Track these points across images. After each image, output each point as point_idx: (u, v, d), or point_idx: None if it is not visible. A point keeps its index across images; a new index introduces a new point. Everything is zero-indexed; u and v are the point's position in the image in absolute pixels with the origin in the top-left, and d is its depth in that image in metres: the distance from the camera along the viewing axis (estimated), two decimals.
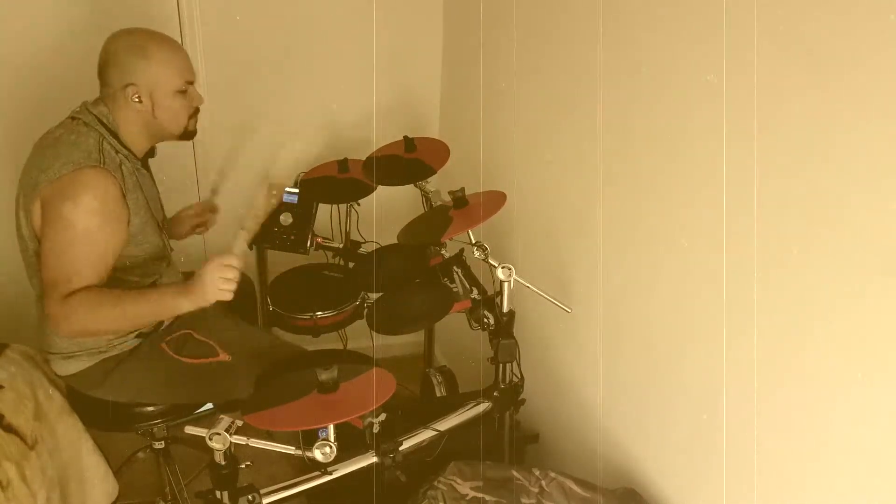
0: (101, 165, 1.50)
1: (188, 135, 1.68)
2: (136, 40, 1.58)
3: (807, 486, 1.04)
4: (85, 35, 2.06)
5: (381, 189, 2.01)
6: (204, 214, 1.98)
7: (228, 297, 1.49)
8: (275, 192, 2.00)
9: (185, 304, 1.51)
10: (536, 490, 1.37)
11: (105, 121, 1.58)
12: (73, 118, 1.59)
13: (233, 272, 1.49)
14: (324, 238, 2.20)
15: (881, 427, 0.90)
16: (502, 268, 1.49)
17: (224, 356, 1.67)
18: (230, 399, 1.71)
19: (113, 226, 1.53)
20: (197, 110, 1.68)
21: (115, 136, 1.58)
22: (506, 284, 1.51)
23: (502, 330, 1.55)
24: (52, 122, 1.62)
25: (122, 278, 1.61)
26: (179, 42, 1.65)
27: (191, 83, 1.64)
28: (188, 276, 1.87)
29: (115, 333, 1.64)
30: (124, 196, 1.54)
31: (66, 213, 1.47)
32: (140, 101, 1.57)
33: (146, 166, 1.70)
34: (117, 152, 1.57)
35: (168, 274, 1.75)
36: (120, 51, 1.57)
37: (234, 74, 2.30)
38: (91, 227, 1.48)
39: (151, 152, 1.73)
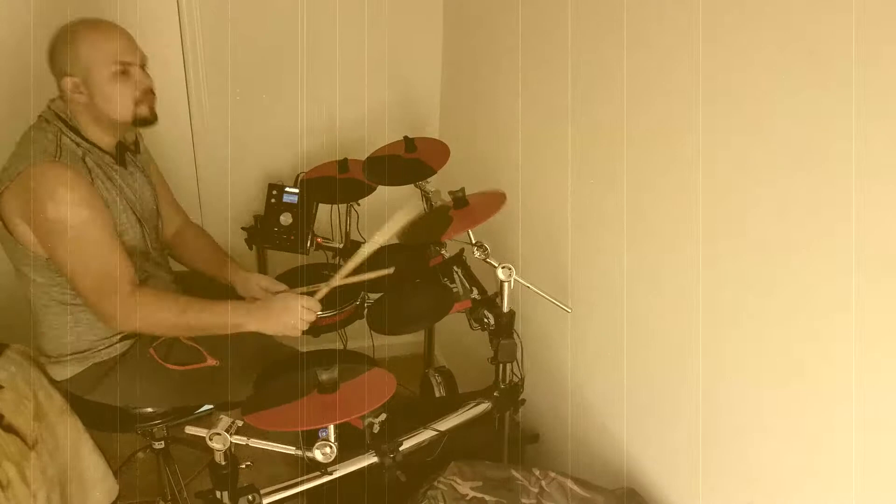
0: (57, 158, 1.47)
1: (142, 121, 1.59)
2: (67, 29, 1.53)
3: (807, 486, 1.04)
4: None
5: (381, 189, 2.01)
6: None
7: (297, 334, 1.54)
8: (275, 193, 1.99)
9: (251, 326, 1.54)
10: (536, 490, 1.37)
11: (63, 115, 1.55)
12: (38, 117, 1.57)
13: (312, 317, 1.55)
14: (324, 238, 2.20)
15: (882, 427, 0.90)
16: (502, 268, 1.49)
17: (212, 361, 1.66)
18: (224, 401, 1.70)
19: (99, 207, 1.51)
20: (148, 94, 1.58)
21: (76, 130, 1.55)
22: (506, 284, 1.51)
23: (502, 330, 1.55)
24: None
25: None
26: (116, 24, 1.56)
27: (131, 64, 1.55)
28: (182, 275, 1.88)
29: (173, 335, 1.65)
30: (92, 184, 1.52)
31: (54, 215, 1.45)
32: (80, 92, 1.52)
33: (122, 162, 1.65)
34: (78, 145, 1.54)
35: (157, 273, 1.73)
36: (56, 42, 1.53)
37: (233, 74, 2.30)
38: (84, 216, 1.47)
39: (136, 147, 1.71)
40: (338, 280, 1.59)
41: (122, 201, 1.60)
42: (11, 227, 1.50)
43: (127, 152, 1.69)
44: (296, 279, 2.15)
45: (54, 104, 1.57)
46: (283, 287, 1.80)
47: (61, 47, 1.52)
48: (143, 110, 1.58)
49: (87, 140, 1.56)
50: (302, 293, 1.63)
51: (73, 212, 1.46)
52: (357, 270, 1.61)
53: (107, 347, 1.65)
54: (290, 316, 1.53)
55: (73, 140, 1.54)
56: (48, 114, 1.56)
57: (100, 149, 1.59)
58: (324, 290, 1.59)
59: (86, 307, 1.54)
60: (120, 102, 1.54)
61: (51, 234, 1.47)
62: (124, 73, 1.54)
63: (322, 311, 1.63)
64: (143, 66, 1.59)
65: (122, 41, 1.55)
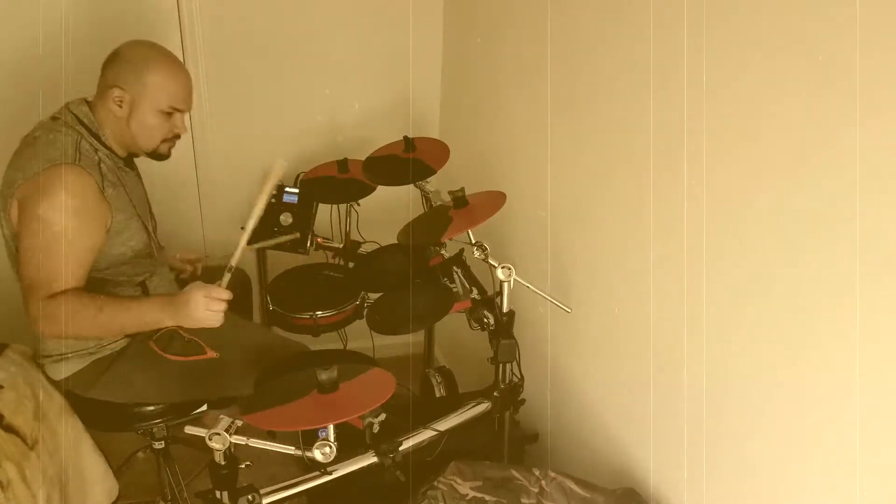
0: (77, 163, 1.50)
1: (157, 156, 1.67)
2: (144, 52, 1.60)
3: (806, 486, 1.04)
4: (78, 35, 2.08)
5: (381, 189, 2.01)
6: (187, 264, 1.96)
7: (216, 324, 1.49)
8: (275, 192, 2.00)
9: (168, 321, 1.51)
10: (536, 490, 1.37)
11: (85, 120, 1.58)
12: (53, 118, 1.59)
13: (220, 305, 1.48)
14: (324, 238, 2.20)
15: (882, 427, 0.90)
16: (502, 268, 1.49)
17: (211, 353, 1.67)
18: (225, 395, 1.71)
19: (91, 224, 1.52)
20: (176, 137, 1.67)
21: (96, 136, 1.59)
22: (506, 284, 1.51)
23: (502, 330, 1.55)
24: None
25: (110, 278, 1.61)
26: (185, 68, 1.65)
27: (179, 111, 1.63)
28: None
29: (95, 339, 1.64)
30: (102, 193, 1.54)
31: (43, 213, 1.46)
32: (120, 106, 1.58)
33: (130, 165, 1.70)
34: (96, 151, 1.57)
35: (159, 272, 1.75)
36: (126, 53, 1.59)
37: (233, 74, 2.30)
38: (68, 226, 1.48)
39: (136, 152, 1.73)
40: (235, 260, 1.53)
41: (131, 207, 1.62)
42: (15, 221, 1.52)
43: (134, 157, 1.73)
44: (296, 278, 2.16)
45: (77, 108, 1.59)
46: (195, 256, 1.92)
47: (126, 61, 1.57)
48: (164, 148, 1.67)
49: (104, 145, 1.60)
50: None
51: (62, 217, 1.47)
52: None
53: (109, 344, 1.65)
54: (196, 308, 1.47)
55: (91, 145, 1.56)
56: (68, 117, 1.57)
57: (115, 153, 1.63)
58: (227, 275, 1.54)
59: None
60: (151, 136, 1.62)
61: (27, 228, 1.48)
62: (169, 114, 1.61)
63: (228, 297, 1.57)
64: (185, 113, 1.65)
65: (184, 89, 1.63)
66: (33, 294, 1.47)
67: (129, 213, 1.61)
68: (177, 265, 1.93)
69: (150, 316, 1.52)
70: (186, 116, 1.67)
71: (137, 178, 1.74)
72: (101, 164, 1.56)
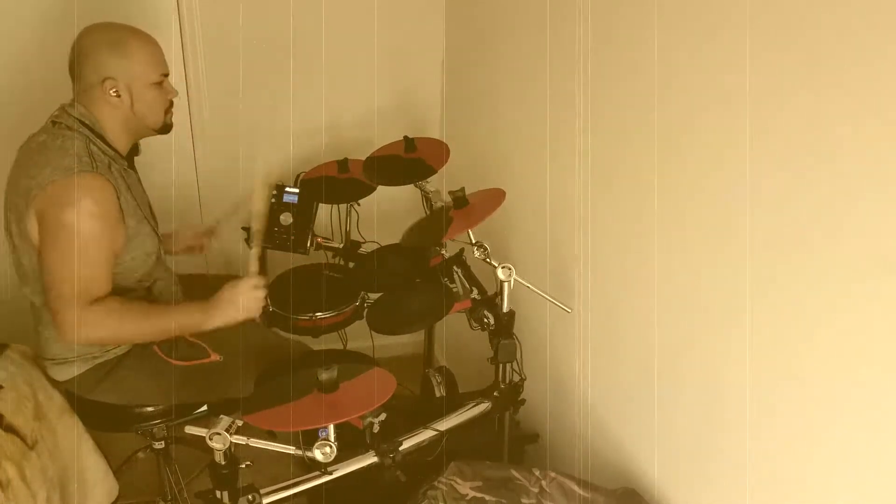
0: (95, 170, 1.49)
1: (166, 128, 1.67)
2: (112, 34, 1.56)
3: (807, 486, 1.04)
4: (74, 35, 2.07)
5: (381, 189, 2.01)
6: (200, 238, 1.99)
7: (258, 314, 1.61)
8: (275, 192, 2.01)
9: (210, 323, 1.58)
10: (536, 490, 1.37)
11: (87, 122, 1.55)
12: (54, 122, 1.56)
13: (259, 292, 1.61)
14: (324, 238, 2.20)
15: (882, 427, 0.90)
16: (502, 268, 1.49)
17: (215, 357, 1.67)
18: (227, 398, 1.71)
19: (115, 229, 1.53)
20: (171, 103, 1.66)
21: (101, 137, 1.56)
22: (506, 284, 1.51)
23: (502, 330, 1.55)
24: (38, 124, 1.60)
25: (122, 283, 1.61)
26: (152, 36, 1.63)
27: (166, 76, 1.63)
28: (184, 278, 1.89)
29: (131, 343, 1.65)
30: (119, 199, 1.53)
31: (69, 221, 1.46)
32: (118, 96, 1.55)
33: (132, 166, 1.69)
34: (104, 154, 1.55)
35: (163, 277, 1.74)
36: (95, 45, 1.54)
37: (233, 74, 2.30)
38: (96, 232, 1.48)
39: (136, 150, 1.72)
40: (256, 247, 1.66)
41: (139, 211, 1.62)
42: (33, 235, 1.51)
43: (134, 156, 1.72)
44: (296, 278, 2.16)
45: (75, 110, 1.56)
46: (204, 228, 1.99)
47: (102, 51, 1.54)
48: (169, 118, 1.67)
49: (111, 147, 1.58)
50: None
51: (86, 224, 1.47)
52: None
53: (113, 348, 1.65)
54: (242, 300, 1.59)
55: (100, 148, 1.55)
56: (70, 120, 1.54)
57: (119, 154, 1.61)
58: (254, 261, 1.64)
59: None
60: (157, 111, 1.62)
61: (52, 237, 1.47)
62: (160, 83, 1.61)
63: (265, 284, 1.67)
64: (169, 74, 1.66)
65: (161, 52, 1.63)
66: (69, 303, 1.47)
67: (138, 217, 1.61)
68: (190, 241, 1.96)
69: (194, 319, 1.58)
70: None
71: (138, 180, 1.73)
72: (112, 168, 1.55)
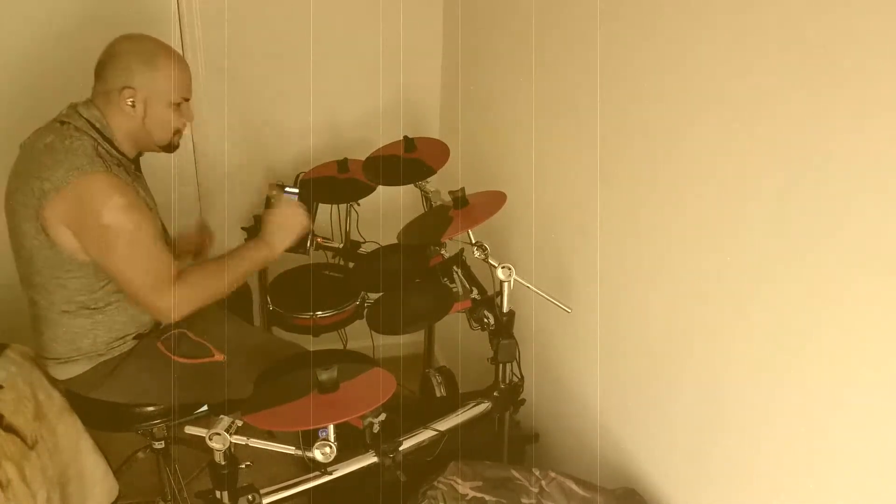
0: (108, 170, 1.50)
1: (170, 148, 1.69)
2: (145, 46, 1.59)
3: (807, 486, 1.04)
4: (78, 34, 2.08)
5: (381, 189, 2.01)
6: (199, 240, 1.98)
7: (307, 229, 1.76)
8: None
9: (279, 246, 1.70)
10: (536, 490, 1.37)
11: (98, 125, 1.56)
12: (62, 122, 1.55)
13: (297, 206, 1.75)
14: (324, 238, 2.20)
15: (883, 427, 0.90)
16: (502, 268, 1.49)
17: (219, 356, 1.68)
18: (228, 398, 1.71)
19: (146, 210, 1.57)
20: (185, 127, 1.69)
21: (109, 140, 1.57)
22: (506, 284, 1.51)
23: (502, 330, 1.55)
24: (43, 122, 1.59)
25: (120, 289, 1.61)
26: (182, 55, 1.67)
27: (186, 100, 1.65)
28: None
29: (220, 298, 1.70)
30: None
31: (110, 221, 1.48)
32: (133, 106, 1.57)
33: (138, 169, 1.70)
34: (111, 156, 1.56)
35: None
36: (126, 52, 1.56)
37: (233, 74, 2.30)
38: (137, 220, 1.51)
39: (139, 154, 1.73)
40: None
41: (148, 209, 1.62)
42: (54, 235, 1.50)
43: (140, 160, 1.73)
44: (296, 278, 2.16)
45: (86, 112, 1.56)
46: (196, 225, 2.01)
47: (130, 60, 1.56)
48: (176, 140, 1.69)
49: (117, 150, 1.59)
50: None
51: (126, 217, 1.50)
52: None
53: (117, 346, 1.65)
54: (291, 221, 1.73)
55: (107, 151, 1.56)
56: (78, 121, 1.55)
57: (127, 158, 1.63)
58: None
59: (126, 305, 1.62)
60: (167, 130, 1.64)
61: (102, 240, 1.50)
62: (178, 105, 1.63)
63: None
64: (189, 100, 1.68)
65: (188, 77, 1.66)
66: (154, 290, 1.53)
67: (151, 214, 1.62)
68: (189, 249, 1.95)
69: (261, 252, 1.68)
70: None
71: (145, 183, 1.73)
72: (118, 168, 1.55)
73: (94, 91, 1.59)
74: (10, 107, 2.13)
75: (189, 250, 1.94)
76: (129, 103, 1.56)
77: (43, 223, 1.50)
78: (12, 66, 2.11)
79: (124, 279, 1.54)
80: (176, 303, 1.53)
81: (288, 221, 1.72)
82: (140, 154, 1.71)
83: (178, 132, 1.67)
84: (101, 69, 1.58)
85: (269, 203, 1.81)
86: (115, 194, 1.49)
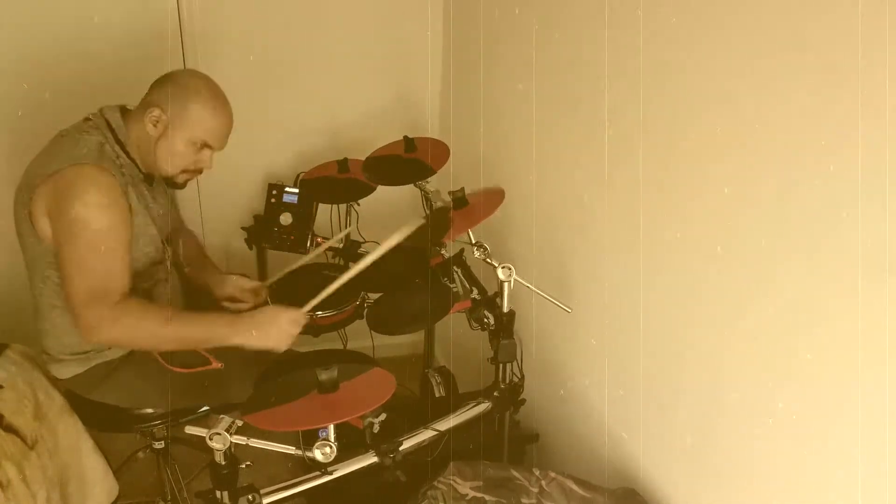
0: (100, 164, 1.49)
1: (173, 184, 1.67)
2: (196, 81, 1.60)
3: (806, 486, 1.04)
4: (81, 37, 2.08)
5: (381, 189, 2.01)
6: (248, 296, 1.86)
7: (281, 349, 1.55)
8: (275, 193, 2.01)
9: (236, 339, 1.52)
10: (536, 490, 1.37)
11: (115, 126, 1.57)
12: (86, 119, 1.58)
13: (296, 329, 1.56)
14: (324, 238, 2.20)
15: (882, 427, 0.90)
16: (502, 268, 1.49)
17: (216, 364, 1.65)
18: (226, 403, 1.70)
19: (124, 218, 1.52)
20: (198, 172, 1.66)
21: (121, 143, 1.58)
22: (506, 284, 1.51)
23: (502, 330, 1.55)
24: (52, 125, 1.61)
25: None
26: (230, 109, 1.65)
27: (210, 147, 1.62)
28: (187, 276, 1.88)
29: (153, 350, 1.62)
30: (125, 193, 1.53)
31: (78, 215, 1.45)
32: (154, 126, 1.57)
33: (149, 181, 1.68)
34: (118, 157, 1.56)
35: (169, 280, 1.74)
36: (178, 78, 1.60)
37: (233, 74, 2.30)
38: (105, 223, 1.47)
39: None
40: (328, 291, 1.59)
41: (147, 212, 1.62)
42: (38, 226, 1.50)
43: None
44: (296, 278, 2.16)
45: (110, 113, 1.58)
46: (257, 284, 1.83)
47: (175, 87, 1.57)
48: (182, 178, 1.65)
49: (127, 155, 1.59)
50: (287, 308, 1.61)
51: (97, 215, 1.46)
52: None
53: (110, 349, 1.65)
54: (276, 330, 1.53)
55: (114, 151, 1.56)
56: (98, 120, 1.57)
57: (136, 166, 1.62)
58: (313, 301, 1.58)
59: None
60: (174, 163, 1.60)
61: (66, 232, 1.47)
62: (199, 148, 1.61)
63: (318, 312, 1.64)
64: (215, 150, 1.64)
65: (222, 128, 1.62)
66: (92, 300, 1.44)
67: (146, 218, 1.61)
68: (235, 294, 1.83)
69: (218, 332, 1.53)
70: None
71: (159, 191, 1.72)
72: (122, 170, 1.56)
73: (140, 101, 1.61)
74: (15, 113, 2.13)
75: (231, 295, 1.84)
76: (153, 121, 1.56)
77: (31, 211, 1.50)
78: (17, 72, 2.11)
79: (66, 278, 1.47)
80: (102, 325, 1.45)
81: (274, 330, 1.54)
82: (152, 175, 1.69)
83: (187, 172, 1.64)
84: (153, 85, 1.60)
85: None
86: (94, 189, 1.46)
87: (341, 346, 2.21)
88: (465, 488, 1.34)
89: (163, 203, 1.73)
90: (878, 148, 0.86)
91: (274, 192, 2.24)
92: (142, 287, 1.67)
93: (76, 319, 1.47)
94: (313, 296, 2.05)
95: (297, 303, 2.00)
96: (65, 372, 1.64)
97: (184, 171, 1.64)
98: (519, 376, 1.61)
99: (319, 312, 1.96)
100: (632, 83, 1.37)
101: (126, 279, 1.50)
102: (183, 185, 1.68)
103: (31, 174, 1.51)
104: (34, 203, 1.49)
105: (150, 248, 1.63)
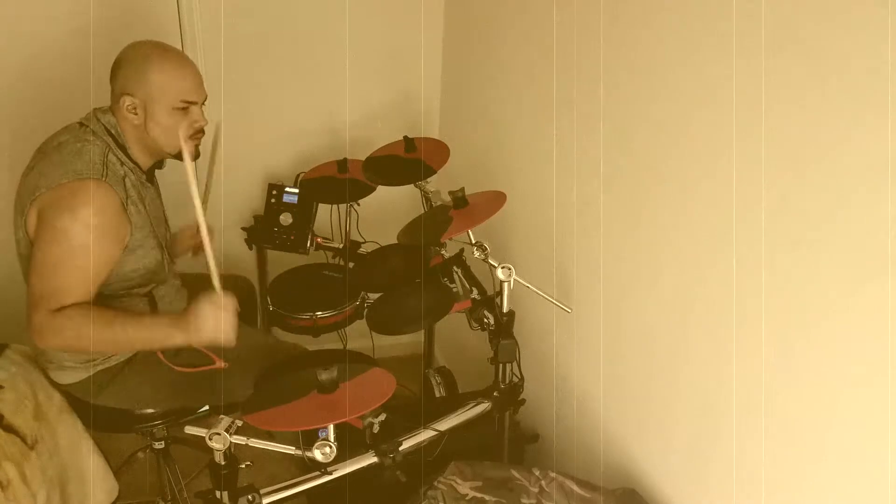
0: (104, 178, 1.48)
1: (187, 156, 1.62)
2: (141, 51, 1.54)
3: (808, 486, 1.04)
4: (84, 37, 2.08)
5: (381, 189, 2.01)
6: (188, 235, 1.91)
7: (229, 339, 1.47)
8: (275, 192, 2.00)
9: (179, 339, 1.48)
10: (536, 490, 1.37)
11: (113, 131, 1.56)
12: (81, 124, 1.56)
13: (229, 315, 1.46)
14: (324, 238, 2.20)
15: (881, 428, 0.90)
16: (502, 268, 1.49)
17: (220, 363, 1.65)
18: (230, 402, 1.71)
19: (110, 241, 1.50)
20: (199, 132, 1.61)
21: (123, 148, 1.56)
22: (506, 284, 1.51)
23: (502, 330, 1.55)
24: (51, 125, 1.60)
25: (118, 293, 1.60)
26: (189, 58, 1.60)
27: (193, 103, 1.58)
28: (189, 277, 1.89)
29: (99, 355, 1.61)
30: (125, 210, 1.52)
31: (63, 225, 1.43)
32: (135, 113, 1.54)
33: (151, 180, 1.68)
34: (122, 164, 1.55)
35: (169, 282, 1.74)
36: (125, 60, 1.55)
37: (233, 74, 2.30)
38: (86, 242, 1.45)
39: (160, 164, 1.71)
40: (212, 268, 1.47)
41: (149, 224, 1.61)
42: (31, 230, 1.50)
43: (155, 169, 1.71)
44: (296, 278, 2.16)
45: (104, 117, 1.56)
46: (189, 225, 1.81)
47: (128, 66, 1.53)
48: (191, 146, 1.59)
49: (130, 159, 1.58)
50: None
51: (81, 232, 1.44)
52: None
53: (114, 355, 1.65)
54: (213, 320, 1.45)
55: (118, 158, 1.55)
56: (97, 126, 1.55)
57: (139, 167, 1.60)
58: (214, 276, 1.46)
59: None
60: (172, 135, 1.56)
61: (47, 237, 1.46)
62: (184, 109, 1.56)
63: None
64: (202, 105, 1.61)
65: (191, 79, 1.57)
66: (39, 304, 1.44)
67: (146, 230, 1.59)
68: (187, 242, 1.88)
69: (160, 333, 1.50)
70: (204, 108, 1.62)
71: (157, 193, 1.71)
72: (126, 179, 1.54)
73: (110, 97, 1.58)
74: (16, 113, 2.13)
75: (187, 247, 1.91)
76: (131, 110, 1.54)
77: (26, 218, 1.49)
78: (17, 71, 2.11)
79: (30, 278, 1.47)
80: (44, 332, 1.44)
81: (209, 321, 1.45)
82: (158, 166, 1.69)
83: (190, 138, 1.59)
84: (110, 77, 1.57)
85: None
86: (88, 208, 1.44)
87: (341, 346, 2.21)
88: (465, 488, 1.34)
89: (157, 198, 1.72)
90: (879, 148, 0.86)
91: (274, 192, 2.24)
92: (142, 292, 1.66)
93: (27, 323, 1.46)
94: (313, 296, 2.06)
95: (299, 305, 2.01)
96: (68, 378, 1.64)
97: (186, 140, 1.56)
98: (519, 376, 1.61)
99: (319, 313, 1.97)
100: (632, 83, 1.37)
101: (81, 295, 1.47)
102: (198, 154, 1.64)
103: (32, 185, 1.49)
104: (31, 211, 1.48)
105: (147, 258, 1.61)
